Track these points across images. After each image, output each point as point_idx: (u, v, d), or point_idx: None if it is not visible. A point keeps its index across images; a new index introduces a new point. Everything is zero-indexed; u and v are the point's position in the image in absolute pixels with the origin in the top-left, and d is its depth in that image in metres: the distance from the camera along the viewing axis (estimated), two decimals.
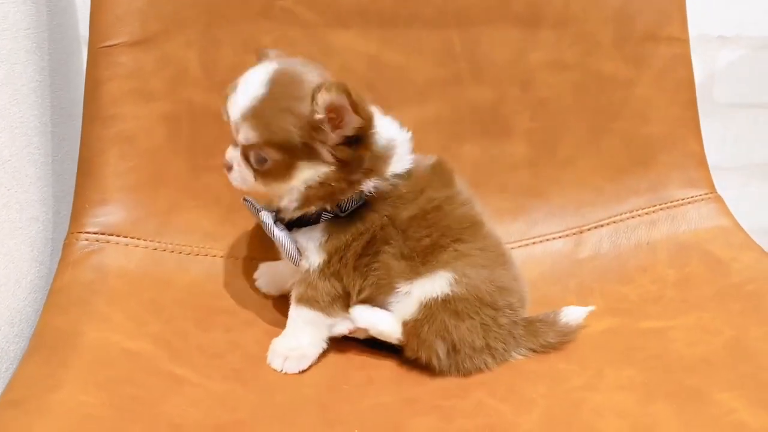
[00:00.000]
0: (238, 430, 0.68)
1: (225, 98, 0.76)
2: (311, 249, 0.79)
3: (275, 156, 0.74)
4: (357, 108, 0.73)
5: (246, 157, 0.76)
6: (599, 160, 1.07)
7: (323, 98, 0.72)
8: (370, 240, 0.79)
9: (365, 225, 0.78)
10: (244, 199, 0.83)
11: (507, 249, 0.88)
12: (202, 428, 0.67)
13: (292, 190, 0.77)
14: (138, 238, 0.91)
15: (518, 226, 1.05)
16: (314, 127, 0.73)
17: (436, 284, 0.79)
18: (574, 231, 1.05)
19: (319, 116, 0.73)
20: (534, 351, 0.85)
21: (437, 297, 0.78)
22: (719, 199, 1.07)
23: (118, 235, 0.90)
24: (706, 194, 1.07)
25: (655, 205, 1.06)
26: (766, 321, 0.86)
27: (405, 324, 0.80)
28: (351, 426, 0.70)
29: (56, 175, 0.95)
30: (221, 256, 0.94)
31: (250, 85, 0.75)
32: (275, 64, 0.76)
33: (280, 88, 0.74)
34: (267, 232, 0.80)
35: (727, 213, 1.06)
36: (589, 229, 1.05)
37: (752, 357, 0.81)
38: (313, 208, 0.78)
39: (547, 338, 0.85)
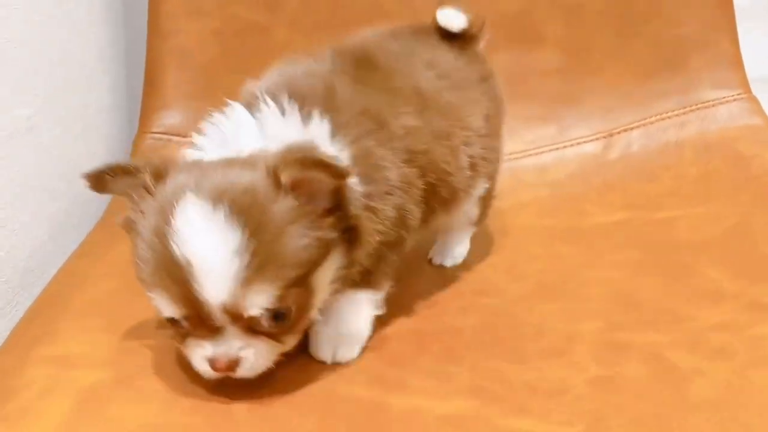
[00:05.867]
0: None
1: (161, 286, 0.55)
2: None
3: (296, 296, 0.56)
4: (322, 166, 0.56)
5: (254, 331, 0.57)
6: (628, 65, 1.09)
7: (287, 178, 0.56)
8: None
9: None
10: None
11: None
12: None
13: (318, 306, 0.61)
14: None
15: (550, 131, 1.09)
16: (309, 217, 0.57)
17: None
18: (603, 134, 1.08)
19: (295, 202, 0.56)
20: None
21: None
22: (753, 100, 1.07)
23: (178, 135, 1.04)
24: (739, 94, 1.07)
25: (685, 107, 1.08)
26: None
27: None
28: None
29: (128, 86, 1.10)
30: None
31: (213, 242, 0.53)
32: (198, 197, 0.55)
33: (244, 209, 0.54)
34: None
35: (760, 112, 1.06)
36: (618, 132, 1.08)
37: (750, 238, 0.84)
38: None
39: None
